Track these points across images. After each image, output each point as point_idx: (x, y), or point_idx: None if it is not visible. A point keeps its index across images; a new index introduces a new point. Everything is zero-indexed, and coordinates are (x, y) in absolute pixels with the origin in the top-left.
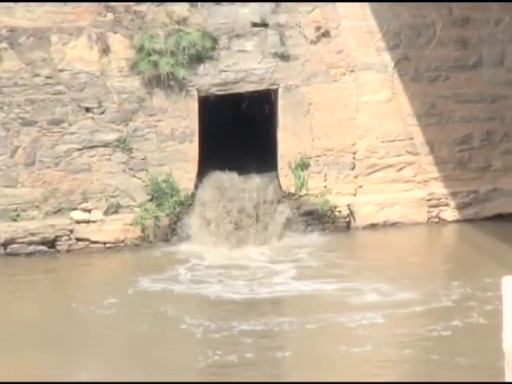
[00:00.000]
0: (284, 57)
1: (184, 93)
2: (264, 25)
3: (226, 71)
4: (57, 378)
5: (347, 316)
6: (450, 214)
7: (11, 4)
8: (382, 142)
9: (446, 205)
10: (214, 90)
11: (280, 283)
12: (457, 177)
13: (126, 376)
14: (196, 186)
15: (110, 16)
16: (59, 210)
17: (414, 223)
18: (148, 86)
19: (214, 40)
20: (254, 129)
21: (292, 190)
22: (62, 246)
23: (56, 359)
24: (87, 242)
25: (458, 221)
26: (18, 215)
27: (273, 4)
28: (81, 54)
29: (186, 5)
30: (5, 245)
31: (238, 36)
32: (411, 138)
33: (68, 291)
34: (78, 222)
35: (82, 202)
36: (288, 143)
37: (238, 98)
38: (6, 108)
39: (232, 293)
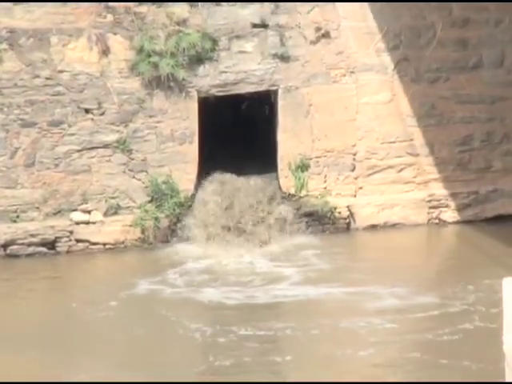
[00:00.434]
0: (284, 58)
1: (184, 94)
2: (264, 26)
3: (225, 72)
4: (55, 379)
5: (352, 321)
6: (450, 215)
7: (11, 5)
8: (382, 143)
9: (447, 206)
10: (214, 91)
11: (282, 287)
12: (457, 178)
13: (124, 376)
14: (196, 187)
15: (109, 17)
16: (59, 212)
17: (414, 224)
18: (148, 87)
19: (214, 41)
20: (254, 130)
21: (292, 191)
22: (61, 247)
23: (55, 360)
24: (87, 244)
25: (458, 222)
26: (17, 216)
27: (273, 5)
28: (81, 55)
29: (186, 6)
30: (5, 246)
31: (238, 37)
32: (411, 139)
33: (67, 293)
34: (78, 224)
35: (82, 204)
36: (288, 144)
37: (237, 98)
38: (5, 109)
39: (232, 296)
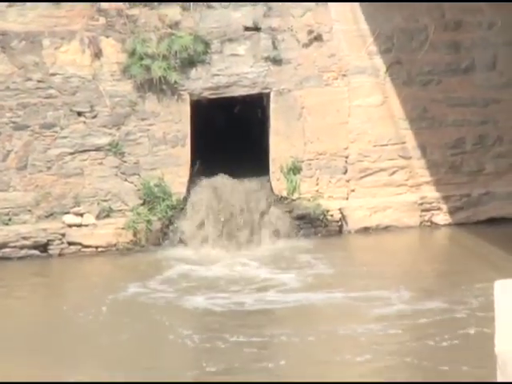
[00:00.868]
0: (276, 61)
1: (176, 97)
2: (256, 29)
3: (218, 75)
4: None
5: (351, 327)
6: (442, 217)
7: (4, 8)
8: (375, 145)
9: (439, 209)
10: (207, 94)
11: (274, 292)
12: (449, 181)
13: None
14: (188, 190)
15: (102, 20)
16: (51, 214)
17: (406, 227)
18: (140, 90)
19: (207, 44)
20: (247, 133)
21: (284, 193)
22: (54, 250)
23: (42, 363)
24: (79, 246)
25: (450, 225)
26: (9, 219)
27: (265, 8)
28: (73, 58)
29: (178, 9)
30: None
31: (231, 40)
32: (403, 142)
33: (59, 295)
34: (70, 226)
35: (74, 206)
36: (280, 147)
37: (230, 101)
38: None
39: (223, 301)
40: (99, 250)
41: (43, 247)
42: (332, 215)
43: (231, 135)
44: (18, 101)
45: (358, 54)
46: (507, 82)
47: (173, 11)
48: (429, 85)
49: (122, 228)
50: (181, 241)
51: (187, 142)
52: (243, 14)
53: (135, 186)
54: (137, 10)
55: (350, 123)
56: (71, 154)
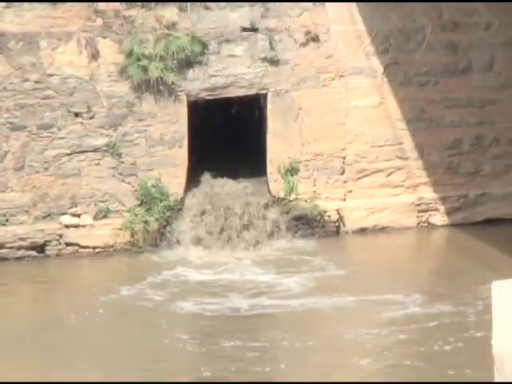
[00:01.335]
0: (273, 61)
1: (173, 97)
2: (253, 29)
3: (215, 76)
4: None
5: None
6: (439, 218)
7: (1, 8)
8: (372, 146)
9: (436, 209)
10: (204, 95)
11: (273, 293)
12: (446, 181)
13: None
14: (185, 191)
15: (99, 21)
16: (48, 215)
17: (403, 228)
18: (137, 91)
19: (204, 45)
20: (244, 134)
21: (281, 194)
22: (51, 250)
23: (38, 363)
24: (76, 247)
25: (447, 225)
26: (7, 220)
27: (262, 8)
28: (70, 59)
29: (175, 9)
30: None
31: (228, 41)
32: (401, 143)
33: (55, 296)
34: (68, 227)
35: (72, 207)
36: (277, 148)
37: (227, 102)
38: None
39: (222, 304)
40: (96, 250)
41: (40, 248)
42: (329, 216)
43: (228, 136)
44: (16, 101)
45: (355, 54)
46: (504, 82)
47: (170, 12)
48: (426, 86)
49: (120, 229)
50: (178, 241)
51: (184, 142)
52: (240, 15)
53: (132, 186)
54: (134, 11)
55: (347, 124)
56: (68, 154)
